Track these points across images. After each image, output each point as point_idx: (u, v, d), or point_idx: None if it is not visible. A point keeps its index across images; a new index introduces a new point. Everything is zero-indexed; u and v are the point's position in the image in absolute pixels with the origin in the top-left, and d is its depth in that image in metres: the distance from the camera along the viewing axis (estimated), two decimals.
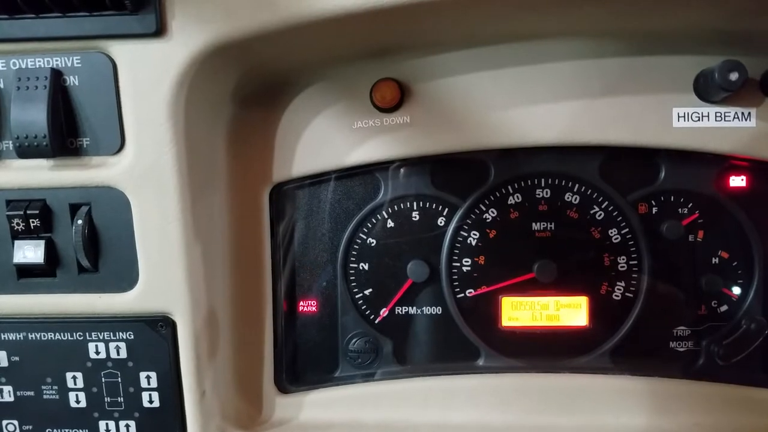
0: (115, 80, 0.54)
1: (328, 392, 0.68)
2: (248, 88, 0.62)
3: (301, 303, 0.69)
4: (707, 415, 0.65)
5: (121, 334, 0.60)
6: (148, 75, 0.53)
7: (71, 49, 0.53)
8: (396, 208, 0.68)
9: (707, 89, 0.60)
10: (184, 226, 0.56)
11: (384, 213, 0.68)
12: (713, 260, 0.66)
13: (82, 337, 0.60)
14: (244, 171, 0.64)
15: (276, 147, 0.64)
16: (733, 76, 0.57)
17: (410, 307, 0.69)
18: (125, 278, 0.58)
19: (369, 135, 0.63)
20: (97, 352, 0.60)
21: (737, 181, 0.65)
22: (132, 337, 0.60)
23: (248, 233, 0.66)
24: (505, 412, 0.66)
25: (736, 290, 0.66)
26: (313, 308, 0.69)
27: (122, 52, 0.53)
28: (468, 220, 0.67)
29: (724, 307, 0.67)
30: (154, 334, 0.59)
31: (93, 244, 0.58)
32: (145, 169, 0.55)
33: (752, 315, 0.66)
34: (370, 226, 0.68)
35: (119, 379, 0.61)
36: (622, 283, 0.67)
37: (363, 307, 0.69)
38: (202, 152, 0.59)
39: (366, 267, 0.68)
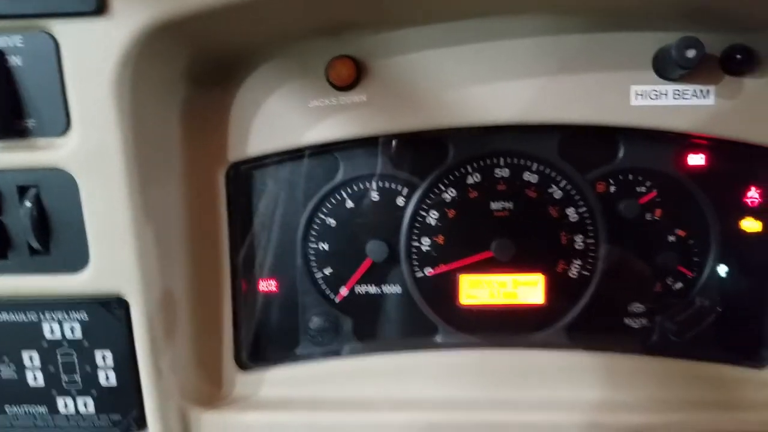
0: (58, 60, 0.53)
1: (289, 369, 0.69)
2: (200, 66, 0.60)
3: (261, 282, 0.69)
4: (660, 389, 0.66)
5: (75, 314, 0.60)
6: (90, 54, 0.52)
7: (12, 28, 0.52)
8: (355, 188, 0.67)
9: (665, 66, 0.59)
10: (134, 207, 0.56)
11: (343, 193, 0.67)
12: (670, 238, 0.66)
13: (36, 318, 0.60)
14: (199, 151, 0.63)
15: (231, 126, 0.63)
16: (690, 53, 0.56)
17: (370, 286, 0.69)
18: (77, 259, 0.58)
19: (325, 114, 0.62)
20: (52, 333, 0.60)
21: (695, 160, 0.65)
22: (86, 317, 0.60)
23: (205, 214, 0.65)
24: (462, 387, 0.67)
25: (692, 268, 0.67)
26: (273, 288, 0.69)
27: (64, 31, 0.51)
28: (427, 200, 0.67)
29: (678, 285, 0.67)
30: (108, 315, 0.59)
31: (43, 226, 0.57)
32: (91, 150, 0.54)
33: (706, 292, 0.67)
34: (329, 206, 0.67)
35: (75, 359, 0.61)
36: (579, 261, 0.67)
37: (323, 287, 0.69)
38: (153, 132, 0.58)
39: (326, 247, 0.68)
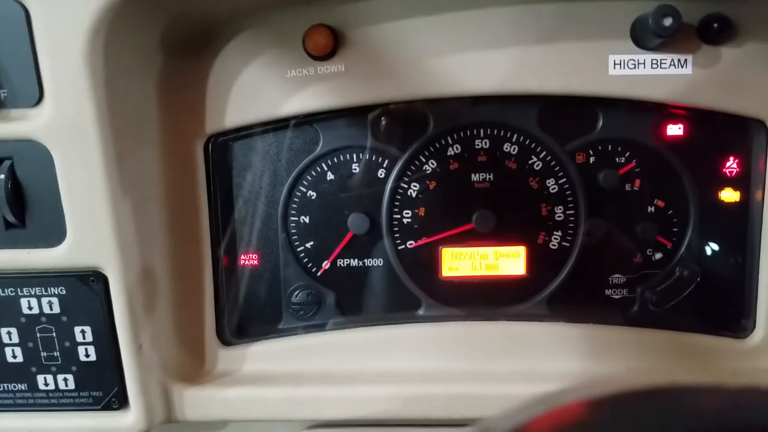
0: (29, 29, 0.52)
1: (271, 344, 0.69)
2: (175, 36, 0.60)
3: (243, 257, 0.69)
4: (640, 359, 0.67)
5: (52, 289, 0.59)
6: (62, 23, 0.51)
7: None
8: (335, 160, 0.67)
9: (643, 36, 0.60)
10: (110, 179, 0.55)
11: (323, 165, 0.67)
12: (649, 209, 0.67)
13: (13, 293, 0.60)
14: (176, 123, 0.63)
15: (208, 97, 0.62)
16: (667, 22, 0.56)
17: (352, 260, 0.69)
18: (53, 233, 0.57)
19: (303, 84, 0.62)
20: (30, 308, 0.60)
21: (674, 130, 0.65)
22: (64, 292, 0.59)
23: (184, 187, 0.65)
24: (444, 359, 0.67)
25: (671, 238, 0.67)
26: (255, 262, 0.69)
27: None
28: (408, 172, 0.67)
29: (658, 255, 0.68)
30: (86, 289, 0.59)
31: (18, 200, 0.56)
32: (65, 121, 0.53)
33: (686, 262, 0.67)
34: (309, 178, 0.67)
35: (54, 334, 0.60)
36: (559, 233, 0.67)
37: (305, 260, 0.69)
38: (128, 103, 0.57)
39: (307, 220, 0.68)
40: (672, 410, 0.21)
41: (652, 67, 0.61)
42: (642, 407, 0.22)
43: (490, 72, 0.61)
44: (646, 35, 0.59)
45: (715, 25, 0.60)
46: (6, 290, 0.59)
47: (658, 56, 0.61)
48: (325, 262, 0.69)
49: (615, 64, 0.61)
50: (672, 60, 0.61)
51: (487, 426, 0.22)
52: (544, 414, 0.22)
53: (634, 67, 0.61)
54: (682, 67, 0.61)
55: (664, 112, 0.64)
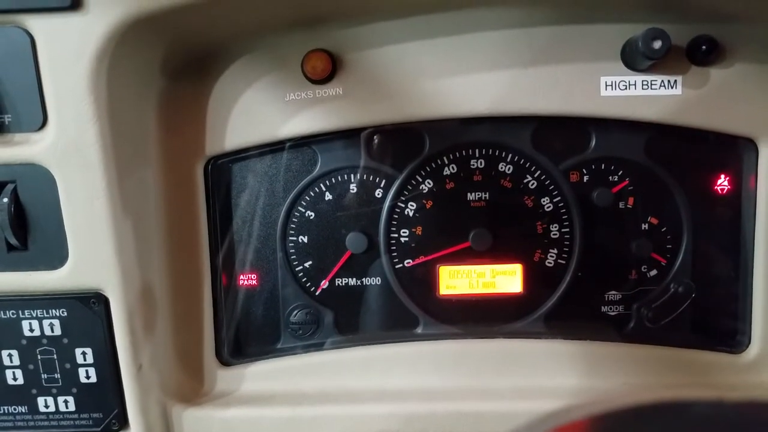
0: (34, 55, 0.53)
1: (270, 363, 0.69)
2: (176, 60, 0.61)
3: (241, 277, 0.69)
4: (637, 375, 0.67)
5: (54, 311, 0.60)
6: (66, 49, 0.52)
7: None
8: (333, 181, 0.68)
9: (633, 58, 0.61)
10: (112, 202, 0.56)
11: (321, 185, 0.68)
12: (643, 226, 0.68)
13: (15, 315, 0.60)
14: (176, 145, 0.64)
15: (208, 120, 0.64)
16: (657, 44, 0.57)
17: (350, 279, 0.70)
18: (55, 255, 0.58)
19: (302, 107, 0.63)
20: (31, 330, 0.60)
21: (665, 148, 0.66)
22: (65, 314, 0.60)
23: (183, 208, 0.65)
24: (443, 377, 0.68)
25: (665, 255, 0.68)
26: (254, 282, 0.70)
27: (39, 26, 0.52)
28: (405, 191, 0.68)
29: (653, 272, 0.69)
30: (87, 311, 0.59)
31: (21, 222, 0.57)
32: (68, 145, 0.54)
33: (680, 279, 0.68)
34: (308, 198, 0.68)
35: (55, 356, 0.61)
36: (555, 250, 0.68)
37: (303, 279, 0.70)
38: (129, 127, 0.58)
39: (305, 239, 0.69)
40: (676, 425, 0.22)
41: (642, 88, 0.62)
42: (646, 423, 0.22)
43: (484, 94, 0.62)
44: (637, 57, 0.60)
45: (704, 47, 0.61)
46: (7, 313, 0.60)
47: (648, 77, 0.62)
48: (323, 281, 0.70)
49: (607, 85, 0.62)
50: (662, 81, 0.62)
51: None
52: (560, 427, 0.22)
53: (626, 88, 0.62)
54: (672, 87, 0.62)
55: (655, 131, 0.66)
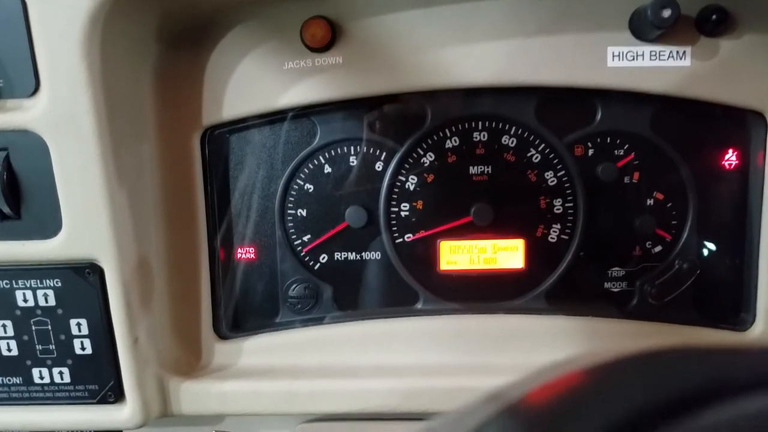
0: (25, 18, 0.52)
1: (268, 338, 0.69)
2: (172, 27, 0.59)
3: (239, 250, 0.69)
4: None
5: (48, 281, 0.59)
6: (58, 14, 0.51)
7: None
8: (333, 153, 0.66)
9: (641, 27, 0.59)
10: (106, 171, 0.55)
11: (321, 158, 0.67)
12: (648, 201, 0.67)
13: (8, 285, 0.59)
14: (172, 115, 0.62)
15: (205, 89, 0.62)
16: (666, 13, 0.56)
17: (349, 253, 0.69)
18: (49, 225, 0.57)
19: (301, 76, 0.62)
20: (25, 300, 0.59)
21: (672, 122, 0.65)
22: (59, 284, 0.59)
23: (180, 180, 0.64)
24: (442, 353, 0.67)
25: (670, 231, 0.67)
26: (252, 255, 0.69)
27: None
28: (406, 165, 0.66)
29: (658, 248, 0.67)
30: (81, 282, 0.59)
31: (13, 191, 0.56)
32: (61, 112, 0.53)
33: (685, 255, 0.67)
34: (306, 171, 0.67)
35: (49, 327, 0.60)
36: (558, 226, 0.67)
37: (302, 254, 0.69)
38: (124, 95, 0.57)
39: (304, 213, 0.68)
40: (691, 367, 0.21)
41: (650, 59, 0.61)
42: (662, 364, 0.21)
43: (488, 64, 0.61)
44: (645, 27, 0.59)
45: (714, 16, 0.60)
46: (1, 283, 0.59)
47: (656, 48, 0.61)
48: (312, 244, 0.68)
49: (614, 56, 0.61)
50: (671, 52, 0.61)
51: (497, 394, 0.22)
52: (556, 378, 0.22)
53: (633, 59, 0.61)
54: (680, 59, 0.61)
55: (662, 103, 0.64)
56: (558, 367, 0.23)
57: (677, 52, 0.61)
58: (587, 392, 0.21)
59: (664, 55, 0.61)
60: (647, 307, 0.68)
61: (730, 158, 0.66)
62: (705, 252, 0.67)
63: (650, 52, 0.61)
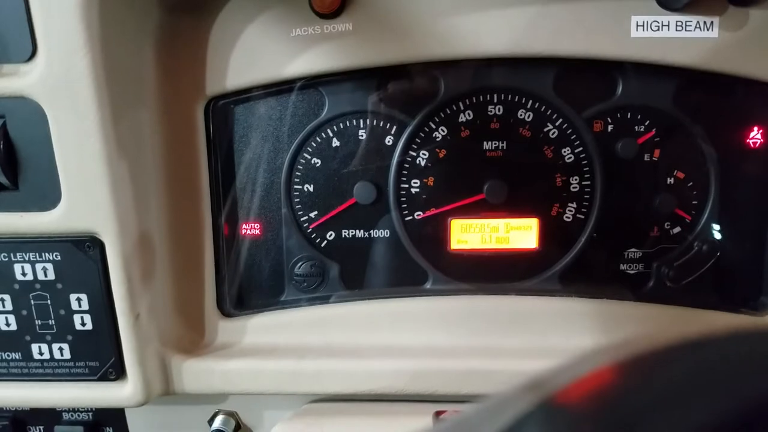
0: None
1: (273, 316, 0.67)
2: None
3: (244, 226, 0.67)
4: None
5: (47, 254, 0.57)
6: None
7: None
8: (341, 126, 0.64)
9: None
10: (106, 140, 0.53)
11: (329, 131, 0.64)
12: (668, 180, 0.64)
13: (6, 258, 0.57)
14: (175, 84, 0.60)
15: (209, 57, 0.60)
16: None
17: (357, 231, 0.67)
18: (47, 196, 0.55)
19: (308, 44, 0.59)
20: (24, 274, 0.58)
21: (696, 97, 0.62)
22: (59, 258, 0.57)
23: (183, 151, 0.62)
24: (451, 334, 0.65)
25: (690, 211, 0.65)
26: (257, 231, 0.67)
27: None
28: (417, 139, 0.64)
29: (676, 229, 0.65)
30: (81, 255, 0.57)
31: (10, 160, 0.54)
32: (59, 78, 0.51)
33: (705, 237, 0.65)
34: (314, 144, 0.65)
35: (49, 302, 0.58)
36: (574, 204, 0.64)
37: (308, 230, 0.67)
38: (125, 61, 0.55)
39: (311, 188, 0.66)
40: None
41: (676, 30, 0.58)
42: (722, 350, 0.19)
43: (504, 32, 0.58)
44: None
45: None
46: None
47: (683, 18, 0.58)
48: (320, 219, 0.66)
49: (638, 25, 0.58)
50: (697, 22, 0.58)
51: (541, 380, 0.20)
52: (608, 365, 0.19)
53: (658, 30, 0.58)
54: (707, 29, 0.58)
55: (686, 77, 0.61)
56: (610, 351, 0.20)
57: (704, 22, 0.58)
58: (652, 387, 0.18)
59: (690, 25, 0.58)
60: (664, 289, 0.66)
61: (755, 136, 0.63)
62: (725, 233, 0.65)
63: (676, 22, 0.58)
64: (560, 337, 0.64)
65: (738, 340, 0.20)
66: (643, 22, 0.58)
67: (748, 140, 0.63)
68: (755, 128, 0.63)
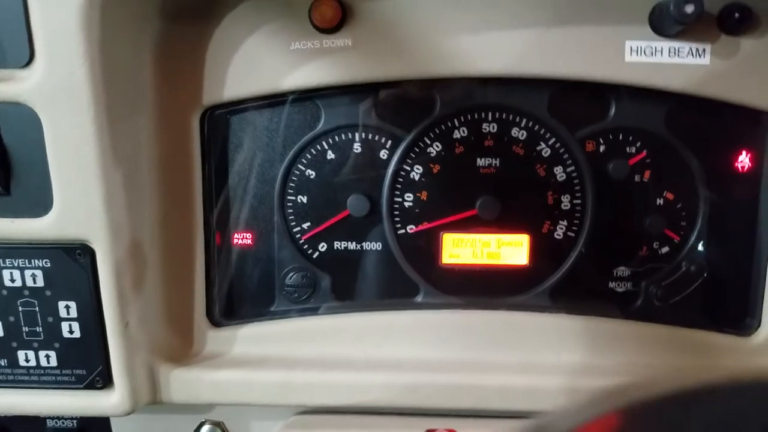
0: None
1: (263, 326, 0.67)
2: (176, 0, 0.57)
3: (236, 236, 0.66)
4: (642, 354, 0.65)
5: (37, 261, 0.57)
6: None
7: None
8: (336, 139, 0.64)
9: (662, 22, 0.57)
10: (101, 148, 0.52)
11: (324, 143, 0.64)
12: (658, 201, 0.65)
13: None
14: (172, 93, 0.60)
15: (207, 67, 0.60)
16: (689, 9, 0.54)
17: (349, 242, 0.67)
18: (39, 202, 0.54)
19: (307, 57, 0.59)
20: (12, 280, 0.57)
21: (687, 121, 0.63)
22: (49, 264, 0.57)
23: (177, 160, 0.62)
24: (442, 348, 0.65)
25: (679, 232, 0.66)
26: (249, 241, 0.67)
27: None
28: (411, 154, 0.64)
29: (665, 249, 0.66)
30: (72, 263, 0.56)
31: (3, 166, 0.54)
32: (56, 84, 0.50)
33: (693, 257, 0.66)
34: (309, 156, 0.65)
35: (37, 309, 0.58)
36: (565, 222, 0.65)
37: (300, 241, 0.67)
38: (123, 69, 0.54)
39: (304, 200, 0.66)
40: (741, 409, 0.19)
41: (669, 56, 0.59)
42: (713, 406, 0.19)
43: (501, 53, 0.59)
44: (666, 22, 0.57)
45: (736, 14, 0.58)
46: None
47: (676, 44, 0.59)
48: (312, 231, 0.66)
49: (632, 50, 0.59)
50: (690, 49, 0.59)
51: (542, 424, 0.20)
52: (606, 414, 0.20)
53: (651, 55, 0.59)
54: (700, 56, 0.59)
55: (678, 102, 0.62)
56: (611, 398, 0.21)
57: (697, 49, 0.59)
58: None
59: (683, 51, 0.59)
60: (652, 308, 0.67)
61: (744, 160, 0.64)
62: (713, 255, 0.66)
63: (669, 48, 0.59)
64: (550, 352, 0.65)
65: (739, 391, 0.20)
66: (637, 47, 0.59)
67: (736, 164, 0.64)
68: (743, 152, 0.64)
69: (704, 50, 0.59)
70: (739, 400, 0.20)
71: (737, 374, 0.21)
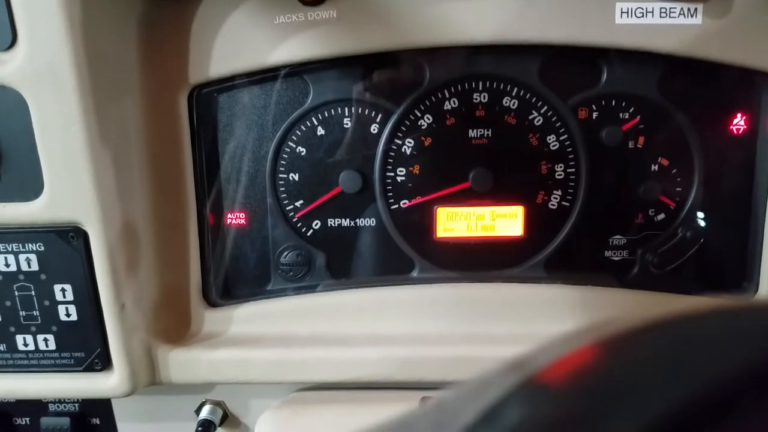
0: None
1: (260, 305, 0.67)
2: None
3: (229, 215, 0.66)
4: None
5: (30, 245, 0.57)
6: None
7: None
8: (326, 114, 0.64)
9: None
10: (89, 129, 0.52)
11: (314, 119, 0.64)
12: (652, 167, 0.64)
13: None
14: (158, 72, 0.59)
15: (192, 45, 0.59)
16: None
17: (343, 219, 0.66)
18: (30, 186, 0.54)
19: (292, 31, 0.58)
20: (7, 265, 0.57)
21: (680, 84, 0.62)
22: (42, 248, 0.57)
23: (166, 140, 0.62)
24: (438, 322, 0.65)
25: (674, 198, 0.65)
26: (242, 221, 0.67)
27: None
28: (402, 127, 0.64)
29: (661, 216, 0.65)
30: (65, 246, 0.56)
31: None
32: (40, 66, 0.50)
33: (689, 223, 0.65)
34: (299, 133, 0.64)
35: (33, 292, 0.58)
36: (559, 192, 0.65)
37: (294, 220, 0.66)
38: (107, 49, 0.54)
39: (296, 177, 0.65)
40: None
41: (660, 16, 0.58)
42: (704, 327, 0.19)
43: (490, 20, 0.58)
44: None
45: None
46: None
47: (667, 4, 0.58)
48: (305, 208, 0.66)
49: (622, 12, 0.58)
50: (681, 9, 0.58)
51: (522, 361, 0.20)
52: (589, 344, 0.19)
53: (642, 16, 0.58)
54: (692, 16, 0.58)
55: (670, 65, 0.61)
56: (591, 331, 0.20)
57: (689, 9, 0.58)
58: (633, 364, 0.18)
59: (674, 11, 0.58)
60: (648, 276, 0.66)
61: (739, 123, 0.63)
62: (709, 220, 0.65)
63: (660, 8, 0.58)
64: (546, 323, 0.65)
65: (719, 315, 0.20)
66: (628, 9, 0.58)
67: (731, 127, 0.63)
68: (739, 115, 0.63)
69: (696, 10, 0.58)
70: (719, 323, 0.20)
71: (721, 305, 0.21)
